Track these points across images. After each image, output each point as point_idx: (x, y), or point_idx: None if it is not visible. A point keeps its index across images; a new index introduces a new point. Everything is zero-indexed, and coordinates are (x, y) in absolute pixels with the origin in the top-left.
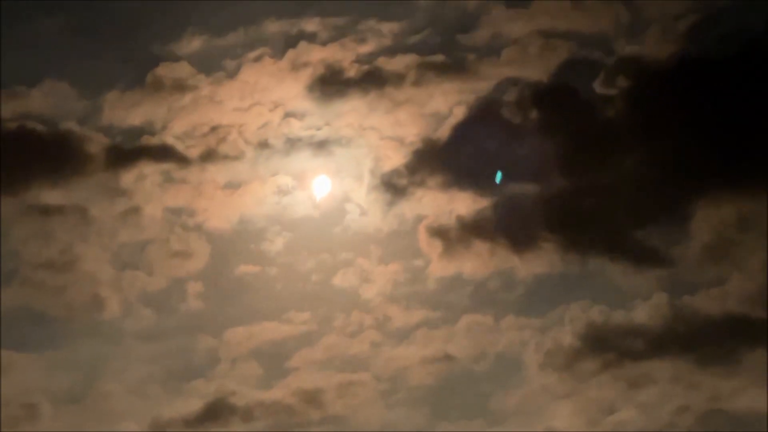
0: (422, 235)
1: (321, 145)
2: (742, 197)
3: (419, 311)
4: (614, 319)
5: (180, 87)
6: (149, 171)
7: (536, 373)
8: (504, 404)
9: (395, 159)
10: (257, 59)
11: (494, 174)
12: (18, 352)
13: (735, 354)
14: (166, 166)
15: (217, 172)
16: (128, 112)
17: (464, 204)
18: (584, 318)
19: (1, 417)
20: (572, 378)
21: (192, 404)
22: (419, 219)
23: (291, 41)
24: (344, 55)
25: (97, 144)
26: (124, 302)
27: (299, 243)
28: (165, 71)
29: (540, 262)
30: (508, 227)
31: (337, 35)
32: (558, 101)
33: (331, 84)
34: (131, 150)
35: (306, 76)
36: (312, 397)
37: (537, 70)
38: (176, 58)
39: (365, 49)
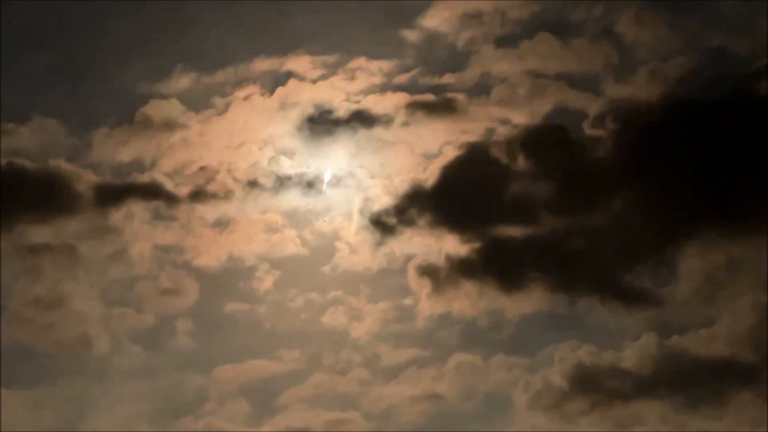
0: (411, 274)
1: (310, 184)
2: (731, 239)
3: (408, 350)
4: (603, 359)
5: (169, 125)
6: (138, 208)
7: (525, 413)
8: None
9: (384, 198)
10: (246, 97)
11: (483, 213)
12: (6, 389)
13: (723, 395)
14: (155, 203)
15: (206, 210)
16: (117, 149)
17: (453, 243)
18: (573, 358)
19: None
20: (561, 418)
21: None
22: (408, 258)
23: (280, 79)
24: (334, 93)
25: (85, 181)
26: (112, 339)
27: (288, 281)
28: (154, 109)
29: (529, 302)
30: (497, 267)
31: (327, 73)
32: (547, 142)
33: (320, 122)
34: (120, 187)
35: (295, 114)
36: None
37: (526, 111)
38: (165, 96)
39: (355, 87)
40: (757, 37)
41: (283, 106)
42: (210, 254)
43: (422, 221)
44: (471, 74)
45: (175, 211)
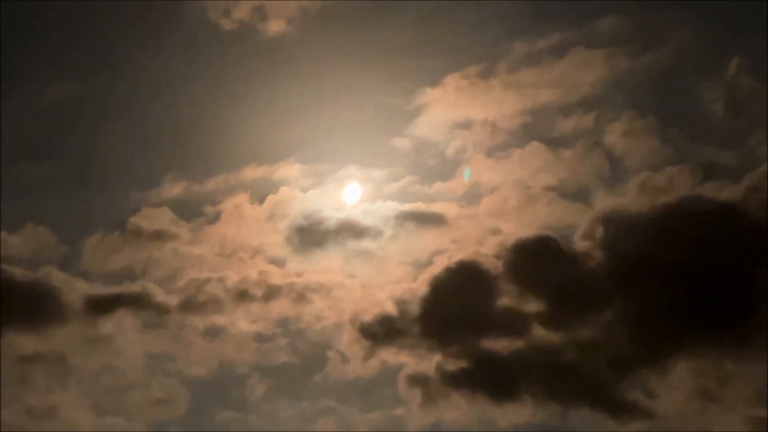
0: (402, 384)
1: (301, 293)
2: (722, 352)
3: None
4: None
5: (160, 234)
6: (129, 317)
7: None
8: None
9: (375, 307)
10: (237, 206)
11: (474, 324)
12: None
13: None
14: (145, 313)
15: (196, 319)
16: (108, 258)
17: (444, 353)
18: None
19: None
20: None
21: None
22: (399, 368)
23: (271, 187)
24: (325, 202)
25: (76, 290)
26: None
27: (280, 390)
28: (145, 218)
29: (521, 413)
30: (488, 377)
31: (318, 182)
32: (537, 253)
33: (311, 232)
34: (111, 297)
35: (286, 223)
36: None
37: (516, 221)
38: (157, 204)
39: (346, 196)
40: (745, 150)
41: (273, 216)
42: (201, 363)
43: (413, 331)
44: (461, 183)
45: (166, 320)
